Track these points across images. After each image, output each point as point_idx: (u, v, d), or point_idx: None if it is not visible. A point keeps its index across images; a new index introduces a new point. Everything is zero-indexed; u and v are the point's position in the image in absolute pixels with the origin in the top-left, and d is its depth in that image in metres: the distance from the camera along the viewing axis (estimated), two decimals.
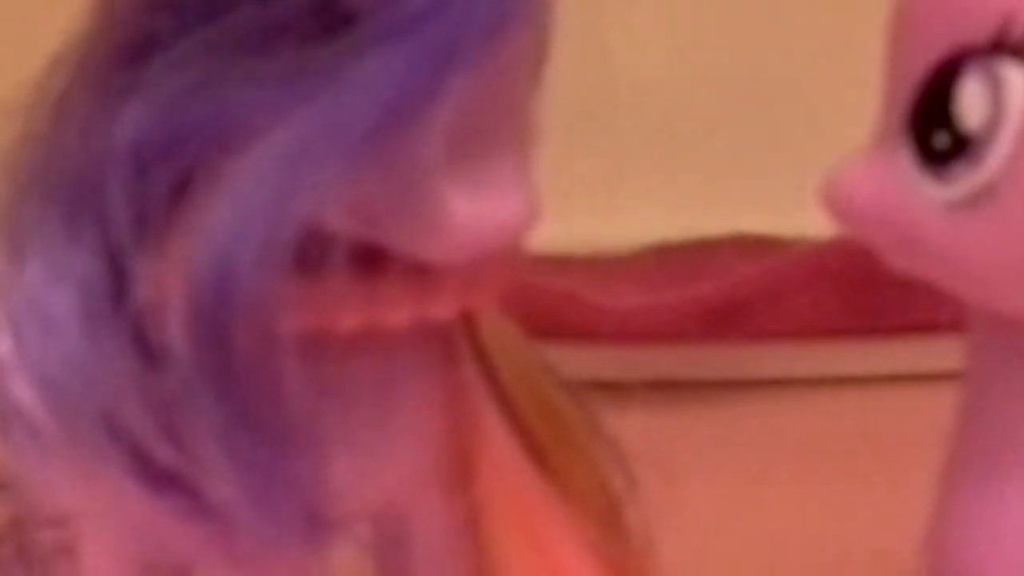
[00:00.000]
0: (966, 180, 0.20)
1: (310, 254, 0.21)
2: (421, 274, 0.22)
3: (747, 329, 0.42)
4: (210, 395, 0.20)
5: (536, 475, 0.24)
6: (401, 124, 0.20)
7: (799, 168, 0.47)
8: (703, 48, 0.48)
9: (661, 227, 0.44)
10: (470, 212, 0.21)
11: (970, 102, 0.20)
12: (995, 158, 0.20)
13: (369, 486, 0.23)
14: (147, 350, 0.20)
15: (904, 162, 0.21)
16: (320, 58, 0.19)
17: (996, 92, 0.20)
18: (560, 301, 0.41)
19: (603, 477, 0.25)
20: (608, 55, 0.47)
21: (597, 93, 0.46)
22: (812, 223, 0.43)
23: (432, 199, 0.21)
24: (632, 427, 0.40)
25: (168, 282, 0.20)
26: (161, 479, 0.20)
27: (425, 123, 0.20)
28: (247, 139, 0.19)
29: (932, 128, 0.21)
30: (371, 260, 0.21)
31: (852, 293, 0.42)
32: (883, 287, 0.42)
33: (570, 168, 0.46)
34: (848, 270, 0.42)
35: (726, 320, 0.42)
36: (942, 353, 0.43)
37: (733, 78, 0.48)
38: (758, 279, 0.41)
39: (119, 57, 0.20)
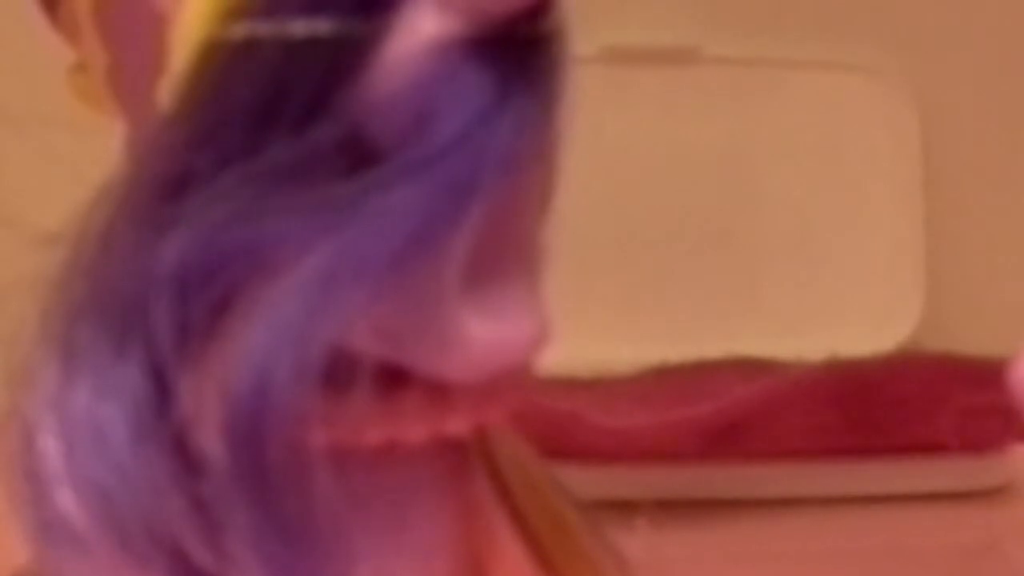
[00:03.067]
0: None
1: (338, 372, 0.21)
2: (439, 392, 0.22)
3: (745, 449, 0.42)
4: (244, 502, 0.20)
5: (530, 553, 0.24)
6: (423, 252, 0.21)
7: (795, 293, 0.48)
8: (703, 171, 0.48)
9: (661, 350, 0.45)
10: (485, 334, 0.22)
11: None
12: None
13: None
14: (188, 460, 0.20)
15: None
16: (349, 191, 0.20)
17: None
18: (563, 421, 0.41)
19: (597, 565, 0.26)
20: (612, 187, 0.48)
21: (601, 223, 0.47)
22: (808, 346, 0.45)
23: (450, 322, 0.22)
24: (632, 545, 0.41)
25: (207, 396, 0.20)
26: None
27: (446, 251, 0.21)
28: (280, 266, 0.20)
29: None
30: (393, 378, 0.22)
31: (848, 413, 0.43)
32: (879, 407, 0.43)
33: (573, 294, 0.47)
34: (844, 391, 0.43)
35: (724, 440, 0.42)
36: (938, 473, 0.44)
37: (735, 207, 0.48)
38: (755, 400, 0.42)
39: (162, 190, 0.20)
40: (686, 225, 0.48)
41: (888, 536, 0.42)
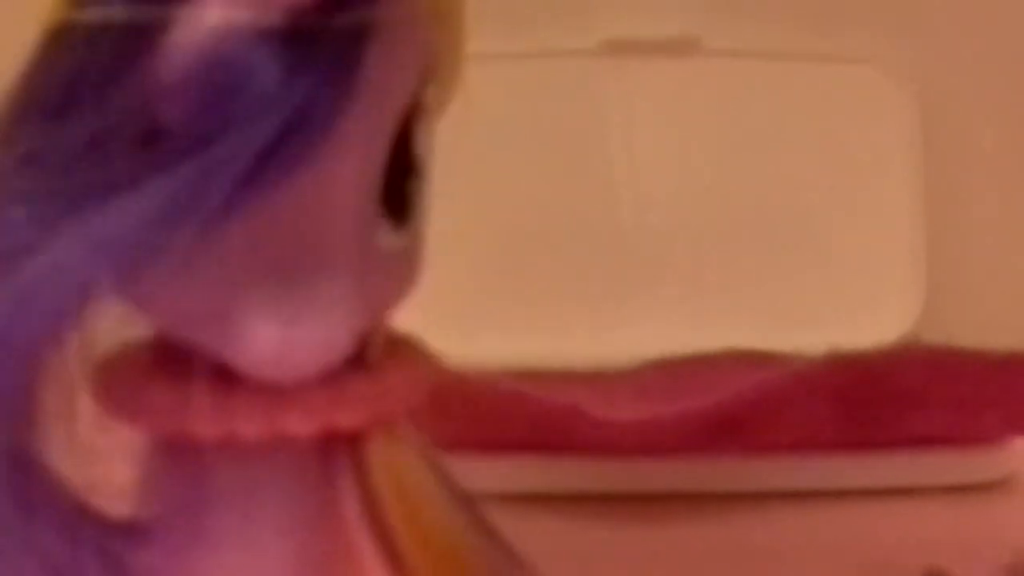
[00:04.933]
0: None
1: (170, 363, 0.22)
2: (275, 390, 0.22)
3: (745, 442, 0.42)
4: None
5: None
6: (183, 233, 0.21)
7: (795, 285, 0.48)
8: (704, 164, 0.48)
9: (660, 342, 0.45)
10: (273, 332, 0.22)
11: None
12: None
13: None
14: None
15: None
16: (129, 171, 0.21)
17: None
18: (562, 414, 0.41)
19: None
20: (611, 179, 0.48)
21: (600, 216, 0.47)
22: (808, 338, 0.45)
23: (236, 316, 0.22)
24: (632, 540, 0.41)
25: None
26: None
27: (221, 237, 0.21)
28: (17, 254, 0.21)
29: None
30: (228, 372, 0.22)
31: (848, 406, 0.42)
32: (879, 401, 0.43)
33: (572, 286, 0.47)
34: (844, 384, 0.42)
35: (724, 433, 0.42)
36: (939, 466, 0.44)
37: (735, 198, 0.48)
38: (755, 393, 0.42)
39: None
40: (685, 217, 0.48)
41: (888, 528, 0.42)
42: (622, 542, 0.41)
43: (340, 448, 0.24)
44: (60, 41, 0.22)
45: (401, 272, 0.24)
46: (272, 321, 0.22)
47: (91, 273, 0.21)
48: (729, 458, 0.43)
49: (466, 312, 0.45)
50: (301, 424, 0.23)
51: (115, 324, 0.23)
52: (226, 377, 0.23)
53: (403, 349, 0.25)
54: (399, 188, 0.23)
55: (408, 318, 0.25)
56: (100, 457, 0.23)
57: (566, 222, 0.47)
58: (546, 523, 0.41)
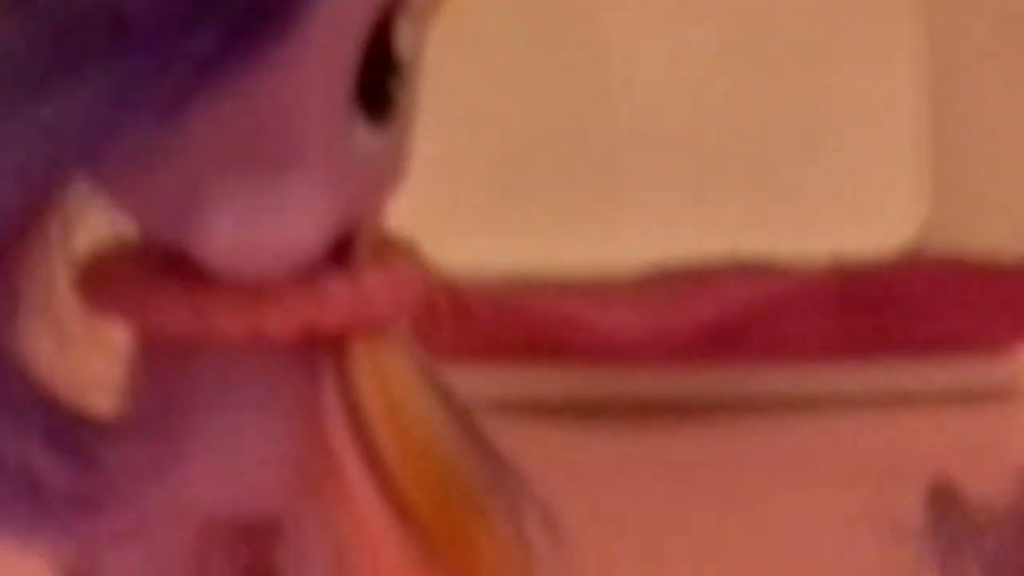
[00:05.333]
0: None
1: (152, 260, 0.22)
2: (254, 289, 0.22)
3: (745, 351, 0.42)
4: None
5: (392, 521, 0.23)
6: (132, 122, 0.21)
7: (798, 191, 0.48)
8: (705, 73, 0.48)
9: (662, 250, 0.44)
10: (233, 227, 0.22)
11: None
12: None
13: (223, 488, 0.24)
14: None
15: None
16: (89, 57, 0.21)
17: None
18: (560, 322, 0.41)
19: (497, 539, 0.24)
20: (610, 82, 0.47)
21: (599, 118, 0.46)
22: (810, 246, 0.44)
23: (198, 210, 0.22)
24: (631, 445, 0.41)
25: None
26: None
27: (185, 126, 0.21)
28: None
29: None
30: (208, 271, 0.22)
31: (851, 314, 0.42)
32: (883, 308, 0.43)
33: (571, 191, 0.46)
34: (847, 292, 0.42)
35: (726, 342, 0.42)
36: (944, 374, 0.44)
37: (735, 104, 0.48)
38: (756, 301, 0.42)
39: None
40: (685, 122, 0.47)
41: (893, 438, 0.42)
42: (620, 452, 0.41)
43: (323, 351, 0.23)
44: None
45: (381, 172, 0.23)
46: (232, 215, 0.22)
47: (49, 157, 0.21)
48: (730, 367, 0.43)
49: (461, 219, 0.44)
50: (280, 324, 0.23)
51: (101, 222, 0.23)
52: (206, 275, 0.22)
53: (394, 253, 0.25)
54: (379, 85, 0.23)
55: (402, 224, 0.25)
56: (83, 354, 0.23)
57: (563, 126, 0.46)
58: (542, 432, 0.41)
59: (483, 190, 0.45)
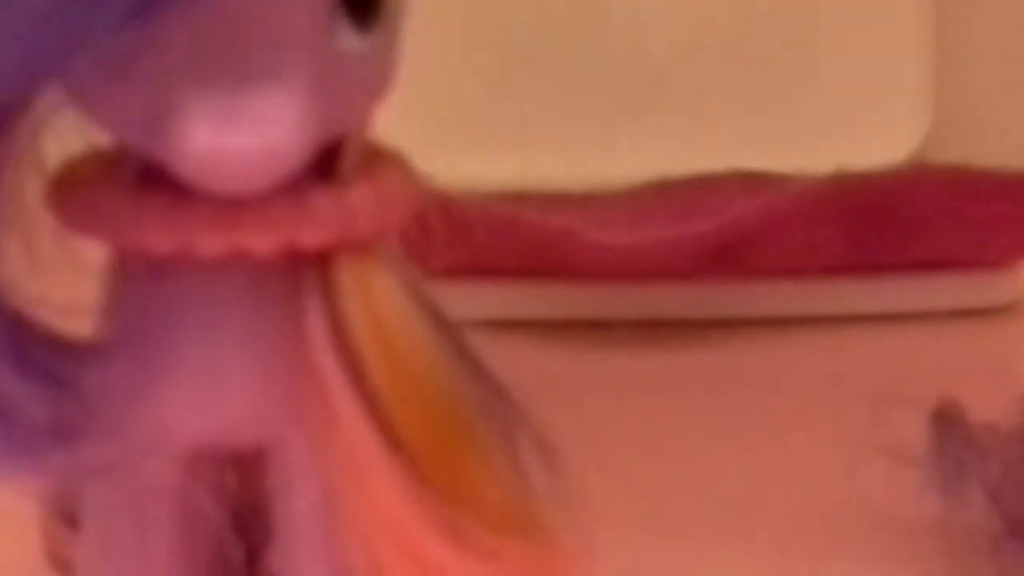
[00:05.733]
0: None
1: (128, 173, 0.22)
2: (233, 203, 0.21)
3: (747, 266, 0.42)
4: None
5: (382, 447, 0.22)
6: (101, 21, 0.20)
7: (800, 104, 0.47)
8: None
9: (660, 164, 0.44)
10: (213, 137, 0.21)
11: None
12: None
13: (206, 414, 0.23)
14: None
15: None
16: None
17: None
18: (556, 238, 0.40)
19: (491, 465, 0.23)
20: None
21: (594, 30, 0.46)
22: (812, 158, 0.44)
23: (174, 118, 0.21)
24: (630, 365, 0.41)
25: None
26: None
27: (150, 28, 0.20)
28: None
29: None
30: (186, 185, 0.21)
31: (854, 229, 0.42)
32: (888, 222, 0.42)
33: (567, 104, 0.45)
34: (850, 205, 0.42)
35: (725, 257, 0.41)
36: (949, 290, 0.44)
37: (733, 14, 0.47)
38: (757, 215, 0.41)
39: None
40: (683, 34, 0.47)
41: (897, 355, 0.41)
42: (619, 370, 0.40)
43: (307, 268, 0.23)
44: None
45: (367, 79, 0.22)
46: (208, 123, 0.21)
47: (14, 57, 0.20)
48: (730, 283, 0.42)
49: (455, 132, 0.44)
50: (260, 239, 0.22)
51: (73, 134, 0.22)
52: (183, 189, 0.22)
53: (382, 165, 0.24)
54: None
55: (392, 137, 0.24)
56: (56, 273, 0.23)
57: (560, 39, 0.46)
58: (538, 351, 0.41)
59: (477, 103, 0.45)
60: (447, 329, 0.24)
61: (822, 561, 0.32)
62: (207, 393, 0.23)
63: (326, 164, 0.23)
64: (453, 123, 0.44)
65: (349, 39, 0.22)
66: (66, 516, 0.25)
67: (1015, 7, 0.49)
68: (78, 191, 0.23)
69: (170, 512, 0.23)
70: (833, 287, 0.43)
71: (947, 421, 0.32)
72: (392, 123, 0.24)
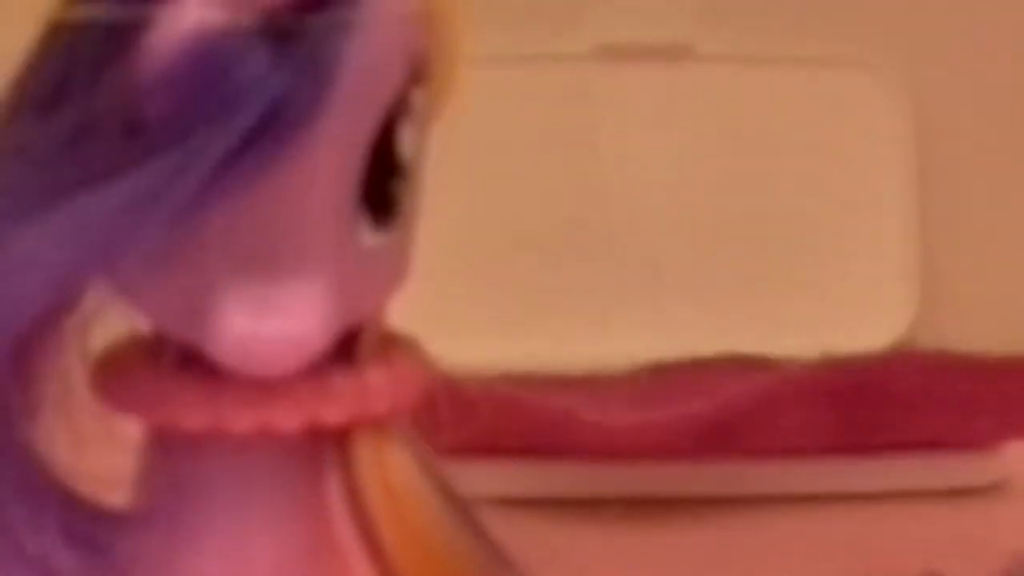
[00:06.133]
0: None
1: (165, 356, 0.23)
2: (262, 385, 0.23)
3: (740, 446, 0.42)
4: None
5: None
6: (161, 224, 0.21)
7: (791, 290, 0.48)
8: (700, 176, 0.48)
9: (656, 347, 0.45)
10: (242, 325, 0.22)
11: None
12: None
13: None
14: None
15: None
16: (107, 164, 0.21)
17: None
18: (556, 418, 0.41)
19: None
20: (606, 183, 0.47)
21: (595, 219, 0.47)
22: (802, 343, 0.44)
23: (211, 308, 0.22)
24: (627, 541, 0.40)
25: None
26: None
27: (198, 229, 0.22)
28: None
29: None
30: (218, 367, 0.23)
31: (842, 411, 0.42)
32: (875, 404, 0.42)
33: (568, 290, 0.46)
34: (838, 388, 0.42)
35: (719, 437, 0.42)
36: (934, 470, 0.43)
37: (729, 205, 0.48)
38: (750, 397, 0.41)
39: None
40: (679, 222, 0.48)
41: (884, 533, 0.42)
42: (617, 547, 0.41)
43: (327, 444, 0.24)
44: (53, 39, 0.22)
45: (385, 271, 0.24)
46: (244, 314, 0.22)
47: (68, 260, 0.21)
48: (724, 463, 0.43)
49: (461, 316, 0.45)
50: (286, 418, 0.23)
51: (117, 320, 0.24)
52: (216, 371, 0.23)
53: (396, 349, 0.25)
54: (383, 188, 0.23)
55: (402, 321, 0.26)
56: (98, 449, 0.24)
57: (560, 227, 0.47)
58: (541, 528, 0.41)
59: (482, 289, 0.46)
60: (455, 502, 0.25)
61: None
62: (233, 561, 0.24)
63: (345, 347, 0.24)
64: (457, 310, 0.45)
65: (370, 235, 0.23)
66: None
67: (997, 199, 0.50)
68: (120, 373, 0.24)
69: None
70: (822, 467, 0.43)
71: None
72: (400, 307, 0.25)
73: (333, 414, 0.24)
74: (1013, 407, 0.43)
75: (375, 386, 0.24)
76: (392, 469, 0.24)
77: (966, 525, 0.42)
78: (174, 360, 0.24)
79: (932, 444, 0.43)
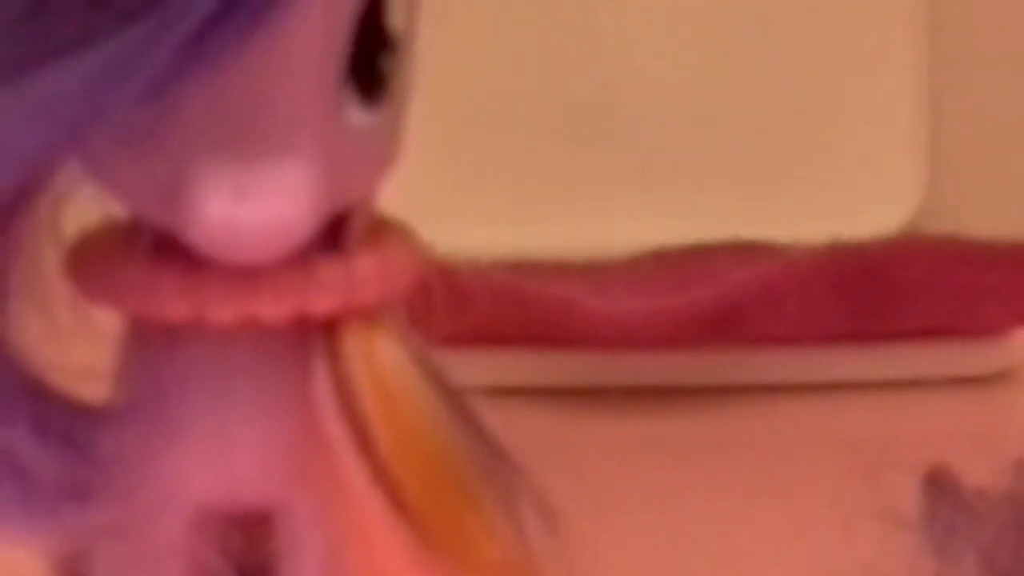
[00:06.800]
0: None
1: (144, 242, 0.22)
2: (245, 272, 0.22)
3: (743, 334, 0.42)
4: None
5: (387, 510, 0.23)
6: (116, 101, 0.20)
7: (795, 174, 0.47)
8: (700, 55, 0.47)
9: (658, 233, 0.44)
10: (227, 209, 0.21)
11: None
12: None
13: (215, 477, 0.23)
14: None
15: None
16: (71, 34, 0.20)
17: None
18: (556, 307, 0.41)
19: (493, 528, 0.24)
20: (604, 62, 0.47)
21: (594, 100, 0.46)
22: (807, 229, 0.44)
23: (187, 190, 0.21)
24: (627, 431, 0.41)
25: None
26: None
27: (172, 104, 0.21)
28: None
29: None
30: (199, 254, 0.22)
31: (848, 298, 0.42)
32: (880, 291, 0.42)
33: (566, 174, 0.46)
34: (844, 275, 0.42)
35: (722, 325, 0.41)
36: (941, 358, 0.44)
37: (731, 84, 0.47)
38: (754, 284, 0.41)
39: None
40: (681, 104, 0.47)
41: (890, 424, 0.41)
42: (617, 438, 0.41)
43: (315, 336, 0.23)
44: None
45: (374, 153, 0.23)
46: (222, 195, 0.21)
47: (34, 138, 0.20)
48: (727, 351, 0.42)
49: (454, 201, 0.44)
50: (271, 307, 0.22)
51: (92, 204, 0.23)
52: (196, 259, 0.22)
53: (387, 235, 0.24)
54: (371, 63, 0.22)
55: (393, 206, 0.25)
56: (72, 340, 0.23)
57: (558, 109, 0.46)
58: (539, 418, 0.41)
59: (478, 173, 0.45)
60: (450, 394, 0.24)
61: None
62: (216, 456, 0.23)
63: (334, 234, 0.23)
64: (452, 193, 0.44)
65: (357, 114, 0.22)
66: (74, 572, 0.25)
67: (1008, 79, 0.50)
68: (95, 261, 0.23)
69: (179, 572, 0.24)
70: (827, 355, 0.43)
71: (940, 486, 0.32)
72: (393, 192, 0.24)
73: (320, 303, 0.23)
74: (1023, 294, 0.43)
75: (364, 274, 0.23)
76: (383, 361, 0.23)
77: (975, 416, 0.42)
78: (152, 247, 0.23)
79: (940, 331, 0.43)
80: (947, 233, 0.44)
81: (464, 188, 0.45)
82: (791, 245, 0.43)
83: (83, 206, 0.23)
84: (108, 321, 0.24)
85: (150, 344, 0.23)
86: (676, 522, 0.36)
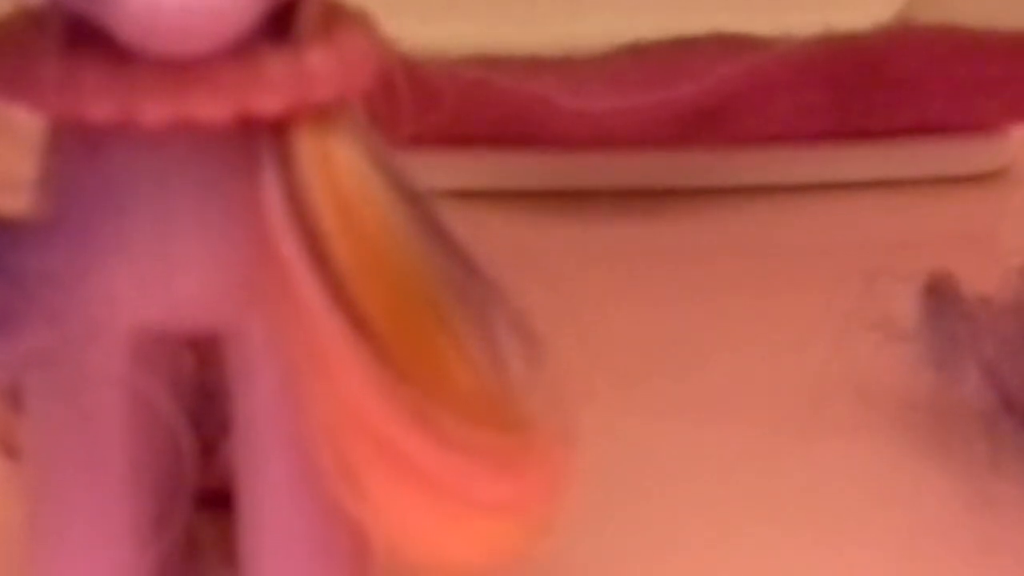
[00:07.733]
0: None
1: (64, 34, 0.20)
2: (179, 67, 0.20)
3: (727, 133, 0.41)
4: None
5: (347, 332, 0.21)
6: None
7: None
8: None
9: (636, 25, 0.43)
10: None
11: None
12: None
13: (153, 297, 0.22)
14: None
15: None
16: None
17: None
18: (528, 105, 0.39)
19: (465, 350, 0.22)
20: None
21: None
22: (796, 19, 0.42)
23: None
24: (607, 235, 0.40)
25: None
26: None
27: None
28: None
29: None
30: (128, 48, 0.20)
31: (839, 92, 0.41)
32: (873, 85, 0.41)
33: None
34: (835, 68, 0.41)
35: (705, 123, 0.40)
36: (935, 155, 0.43)
37: None
38: (739, 80, 0.40)
39: None
40: None
41: (885, 223, 0.41)
42: (595, 241, 0.40)
43: (263, 139, 0.21)
44: None
45: None
46: None
47: None
48: (711, 150, 0.41)
49: None
50: (209, 105, 0.21)
51: None
52: (123, 51, 0.20)
53: (343, 25, 0.22)
54: None
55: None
56: None
57: None
58: (511, 223, 0.40)
59: None
60: (416, 201, 0.23)
61: (810, 437, 0.31)
62: (155, 274, 0.22)
63: (281, 25, 0.21)
64: None
65: None
66: (13, 398, 0.24)
67: None
68: (8, 55, 0.21)
69: (118, 401, 0.22)
70: (818, 153, 0.42)
71: (940, 295, 0.31)
72: None
73: (267, 102, 0.21)
74: (1021, 88, 0.42)
75: (317, 68, 0.21)
76: (340, 167, 0.22)
77: (973, 215, 0.41)
78: (72, 38, 0.21)
79: (936, 128, 0.42)
80: (942, 23, 0.42)
81: None
82: (778, 37, 0.41)
83: None
84: (28, 123, 0.22)
85: (74, 150, 0.22)
86: (658, 329, 0.36)
